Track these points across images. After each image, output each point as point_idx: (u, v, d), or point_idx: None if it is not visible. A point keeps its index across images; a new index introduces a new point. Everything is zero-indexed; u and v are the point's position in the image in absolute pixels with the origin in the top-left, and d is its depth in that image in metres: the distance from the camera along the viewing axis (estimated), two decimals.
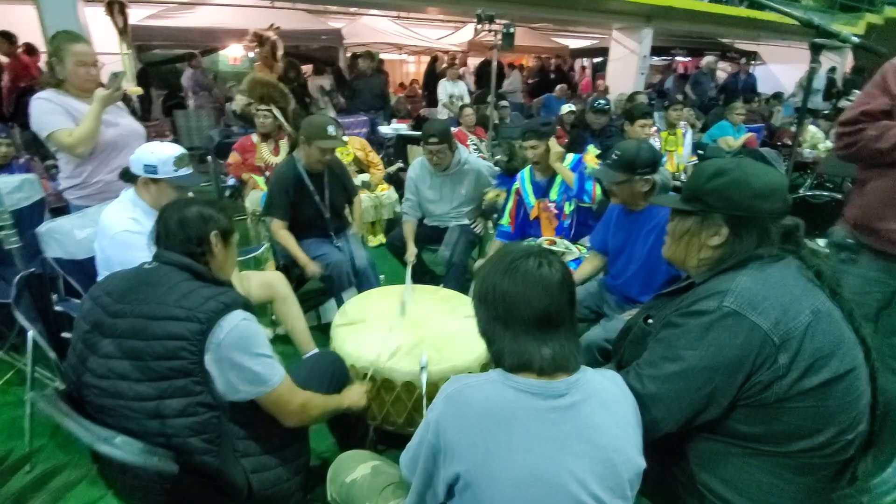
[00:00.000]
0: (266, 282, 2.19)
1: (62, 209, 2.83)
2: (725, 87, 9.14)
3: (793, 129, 6.04)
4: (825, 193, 3.50)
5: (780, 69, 11.90)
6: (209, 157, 4.62)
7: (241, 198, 3.75)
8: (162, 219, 1.23)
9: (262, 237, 3.23)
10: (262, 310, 2.34)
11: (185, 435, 1.05)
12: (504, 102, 6.92)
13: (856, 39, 1.33)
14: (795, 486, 0.95)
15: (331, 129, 2.39)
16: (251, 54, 8.46)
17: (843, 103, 6.26)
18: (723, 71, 11.06)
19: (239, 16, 7.20)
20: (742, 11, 8.70)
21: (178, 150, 1.77)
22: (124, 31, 5.18)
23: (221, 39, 7.33)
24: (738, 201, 0.98)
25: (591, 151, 2.56)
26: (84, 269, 1.98)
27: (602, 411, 0.85)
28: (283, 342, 2.37)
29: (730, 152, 4.73)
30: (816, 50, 1.40)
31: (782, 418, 0.91)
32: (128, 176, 1.78)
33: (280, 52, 4.76)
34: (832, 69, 9.71)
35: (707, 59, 9.41)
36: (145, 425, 1.05)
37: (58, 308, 1.90)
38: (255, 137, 3.65)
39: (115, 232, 1.70)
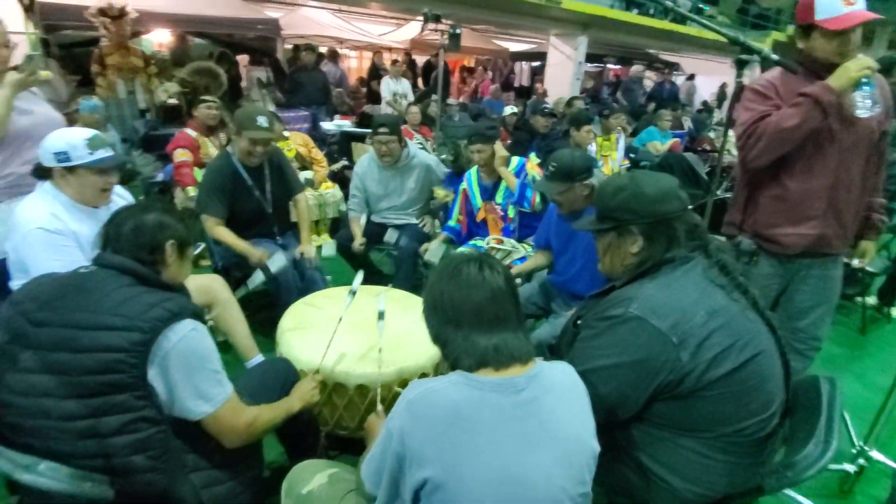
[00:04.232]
0: (203, 286, 2.06)
1: None
2: (652, 95, 9.75)
3: (712, 135, 6.56)
4: None
5: (699, 80, 12.89)
6: (133, 151, 4.27)
7: (171, 195, 3.50)
8: (114, 221, 1.13)
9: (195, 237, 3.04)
10: None
11: (127, 454, 0.96)
12: (452, 101, 6.96)
13: (775, 57, 1.47)
14: (723, 464, 1.06)
15: (261, 120, 2.26)
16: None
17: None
18: (649, 79, 11.81)
19: None
20: (666, 25, 9.32)
21: (89, 131, 1.60)
22: (30, 8, 4.67)
23: (144, 23, 6.79)
24: (641, 210, 1.10)
25: (533, 159, 2.64)
26: None
27: (561, 402, 0.89)
28: (223, 350, 2.23)
29: (658, 156, 5.06)
30: (741, 65, 1.53)
31: (697, 406, 1.03)
32: (41, 171, 1.61)
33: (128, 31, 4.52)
34: (724, 84, 10.74)
35: (636, 68, 10.03)
36: (79, 446, 0.95)
37: None
38: (191, 132, 3.41)
39: (29, 229, 1.52)
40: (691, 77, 11.41)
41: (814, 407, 1.09)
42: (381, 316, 1.52)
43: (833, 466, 1.75)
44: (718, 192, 4.36)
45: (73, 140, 1.55)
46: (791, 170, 1.63)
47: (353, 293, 1.62)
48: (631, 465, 1.13)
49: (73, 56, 6.79)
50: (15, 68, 1.88)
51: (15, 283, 1.64)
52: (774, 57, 1.47)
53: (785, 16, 11.29)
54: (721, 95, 10.40)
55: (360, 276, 1.68)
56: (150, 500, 1.02)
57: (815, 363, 1.90)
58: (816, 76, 1.53)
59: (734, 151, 5.76)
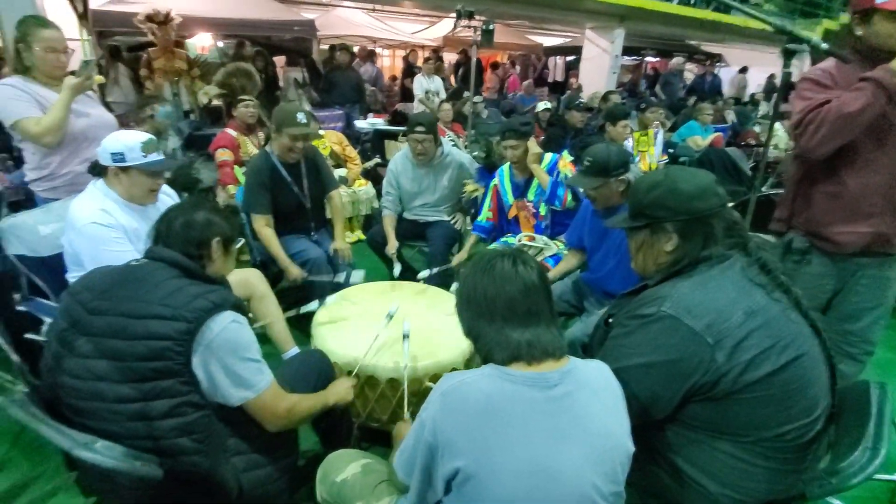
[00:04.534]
0: (243, 280, 2.14)
1: (19, 203, 2.70)
2: (693, 88, 9.41)
3: (757, 129, 6.29)
4: None
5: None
6: (197, 159, 4.46)
7: (213, 193, 3.64)
8: (166, 218, 1.20)
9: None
10: None
11: (174, 436, 1.02)
12: (479, 98, 6.93)
13: (825, 46, 1.39)
14: (763, 469, 1.02)
15: (300, 117, 2.33)
16: (220, 44, 8.24)
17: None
18: (689, 72, 11.39)
19: (207, 3, 6.96)
20: (709, 14, 8.96)
21: (144, 135, 1.70)
22: (84, 16, 4.95)
23: (188, 27, 7.08)
24: (676, 207, 1.07)
25: (566, 157, 2.59)
26: (49, 266, 1.88)
27: (595, 399, 0.89)
28: (260, 341, 2.31)
29: (698, 151, 4.89)
30: (789, 55, 1.46)
31: (734, 409, 0.99)
32: (97, 169, 1.71)
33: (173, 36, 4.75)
34: (772, 75, 10.22)
35: (676, 60, 9.68)
36: (129, 427, 1.01)
37: (20, 308, 1.81)
38: (231, 132, 3.54)
39: (83, 224, 1.63)
40: (744, 70, 10.85)
41: (862, 412, 1.03)
42: (405, 338, 1.58)
43: (881, 476, 1.66)
44: (763, 189, 4.19)
45: (129, 143, 1.65)
46: (849, 165, 1.55)
47: (391, 316, 1.66)
48: (665, 467, 1.11)
49: (123, 60, 7.13)
50: (72, 73, 2.00)
51: (71, 276, 1.75)
52: (825, 46, 1.40)
53: (837, 3, 10.66)
54: (769, 87, 9.91)
55: (396, 304, 1.73)
56: (195, 481, 1.07)
57: (866, 368, 1.80)
58: (874, 65, 1.45)
59: (782, 145, 5.54)
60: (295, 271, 2.36)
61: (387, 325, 1.63)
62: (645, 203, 1.13)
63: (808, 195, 1.66)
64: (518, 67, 11.48)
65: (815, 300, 1.70)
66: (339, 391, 1.40)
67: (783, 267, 1.70)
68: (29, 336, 1.68)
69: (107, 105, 4.75)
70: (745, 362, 0.96)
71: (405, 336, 1.57)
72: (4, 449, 1.79)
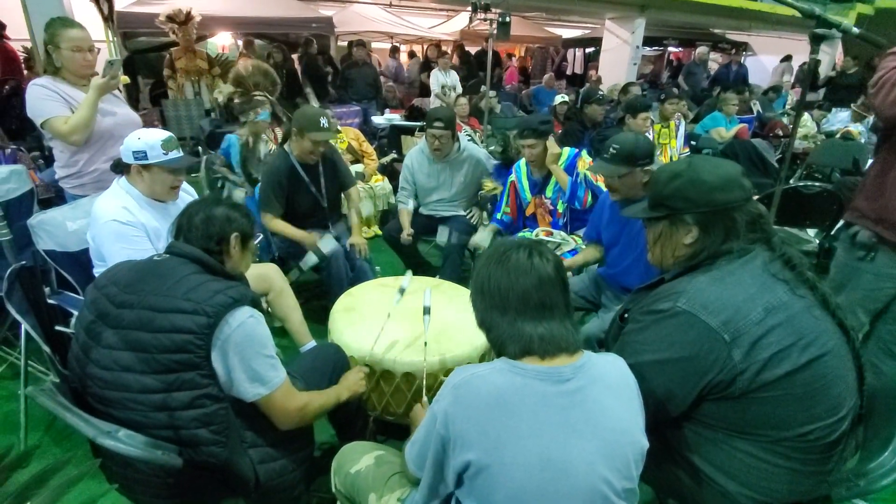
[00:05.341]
0: (261, 274, 2.17)
1: (50, 200, 2.79)
2: (717, 78, 9.16)
3: (785, 119, 6.09)
4: (816, 184, 3.53)
5: (771, 60, 11.92)
6: (199, 148, 4.55)
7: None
8: (187, 213, 1.23)
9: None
10: None
11: (194, 427, 1.05)
12: (493, 92, 6.88)
13: (857, 30, 1.33)
14: (784, 470, 0.99)
15: (323, 122, 2.34)
16: (240, 42, 8.36)
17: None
18: (714, 62, 11.07)
19: (227, 3, 7.07)
20: (734, 1, 8.69)
21: (164, 133, 1.74)
22: (109, 18, 5.07)
23: (209, 27, 7.20)
24: (698, 199, 1.04)
25: (585, 157, 2.54)
26: (77, 261, 1.95)
27: (608, 394, 0.87)
28: (279, 335, 2.35)
29: (722, 143, 4.77)
30: (816, 40, 1.40)
31: (752, 408, 0.96)
32: (120, 166, 1.76)
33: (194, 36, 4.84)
34: (804, 63, 9.80)
35: (700, 50, 9.43)
36: (152, 417, 1.04)
37: (51, 301, 1.88)
38: None
39: (104, 221, 1.68)
40: (787, 58, 10.43)
41: (893, 413, 0.99)
42: (426, 311, 1.54)
43: None
44: (791, 182, 4.06)
45: (150, 141, 1.68)
46: None
47: (403, 291, 1.64)
48: (683, 465, 1.09)
49: (147, 61, 7.30)
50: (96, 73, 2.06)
51: (96, 270, 1.81)
52: (856, 30, 1.34)
53: None
54: (801, 75, 9.56)
55: (409, 275, 1.71)
56: (213, 471, 1.09)
57: None
58: None
59: (812, 135, 5.36)
60: (309, 238, 2.41)
61: (399, 301, 1.59)
62: (665, 193, 1.09)
63: (883, 182, 1.58)
64: (514, 60, 11.32)
65: (875, 303, 1.64)
66: (351, 385, 1.40)
67: (845, 258, 1.63)
68: (59, 328, 1.74)
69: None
70: (763, 360, 0.93)
71: (426, 310, 1.53)
72: (38, 435, 1.87)
